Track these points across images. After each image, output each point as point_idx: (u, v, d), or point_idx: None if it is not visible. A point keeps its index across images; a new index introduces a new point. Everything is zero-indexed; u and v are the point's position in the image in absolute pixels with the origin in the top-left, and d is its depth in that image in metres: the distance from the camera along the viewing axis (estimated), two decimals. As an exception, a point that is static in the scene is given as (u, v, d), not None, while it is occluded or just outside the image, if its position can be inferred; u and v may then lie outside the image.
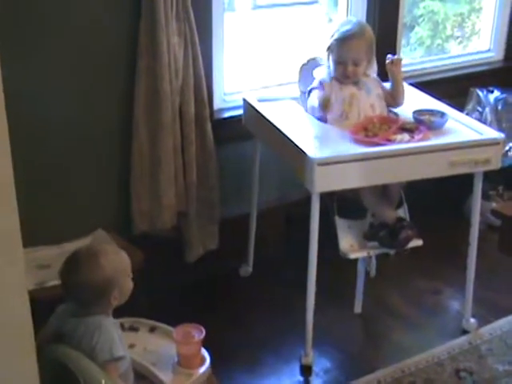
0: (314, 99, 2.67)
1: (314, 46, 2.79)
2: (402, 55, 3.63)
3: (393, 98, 2.79)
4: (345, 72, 2.66)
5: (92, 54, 2.67)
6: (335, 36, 2.68)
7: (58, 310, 2.08)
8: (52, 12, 2.54)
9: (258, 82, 3.37)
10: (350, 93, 2.67)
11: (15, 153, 1.38)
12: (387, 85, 2.81)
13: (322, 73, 2.73)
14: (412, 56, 4.25)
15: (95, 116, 2.74)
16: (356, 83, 2.70)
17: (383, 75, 2.82)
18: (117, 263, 2.02)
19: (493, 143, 2.55)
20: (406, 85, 2.86)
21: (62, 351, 2.01)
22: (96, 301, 1.98)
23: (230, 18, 3.26)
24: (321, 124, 2.66)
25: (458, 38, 4.55)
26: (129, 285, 2.06)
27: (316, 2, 4.77)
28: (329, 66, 2.73)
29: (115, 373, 1.96)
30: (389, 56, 2.74)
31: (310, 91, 2.73)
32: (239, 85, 3.30)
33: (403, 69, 2.88)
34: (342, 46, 2.65)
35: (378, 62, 2.80)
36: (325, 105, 2.60)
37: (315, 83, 2.72)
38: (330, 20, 4.10)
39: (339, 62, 2.67)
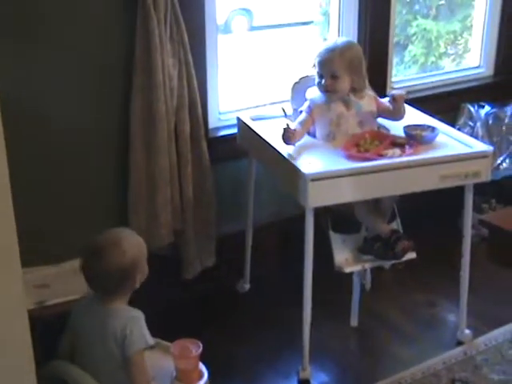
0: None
1: (309, 66, 2.86)
2: (394, 72, 3.68)
3: (392, 115, 2.80)
4: (323, 85, 2.69)
5: (90, 65, 2.70)
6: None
7: (75, 310, 2.17)
8: (51, 21, 2.58)
9: (253, 101, 3.42)
10: (337, 113, 2.69)
11: (11, 170, 1.42)
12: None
13: (314, 93, 2.75)
14: (405, 74, 4.30)
15: (93, 131, 2.77)
16: (346, 102, 2.70)
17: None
18: (138, 245, 2.12)
19: (482, 156, 2.59)
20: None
21: (62, 368, 2.06)
22: (123, 284, 2.07)
23: (227, 40, 3.31)
24: (313, 141, 2.70)
25: (451, 55, 4.61)
26: (146, 267, 2.14)
27: (311, 22, 4.85)
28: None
29: (144, 362, 2.04)
30: (391, 93, 2.75)
31: (300, 112, 2.76)
32: (235, 104, 3.35)
33: (397, 86, 2.88)
34: (320, 60, 2.71)
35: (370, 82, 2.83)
36: (287, 137, 2.58)
37: (305, 105, 2.74)
38: (325, 39, 4.17)
39: (320, 75, 2.72)
